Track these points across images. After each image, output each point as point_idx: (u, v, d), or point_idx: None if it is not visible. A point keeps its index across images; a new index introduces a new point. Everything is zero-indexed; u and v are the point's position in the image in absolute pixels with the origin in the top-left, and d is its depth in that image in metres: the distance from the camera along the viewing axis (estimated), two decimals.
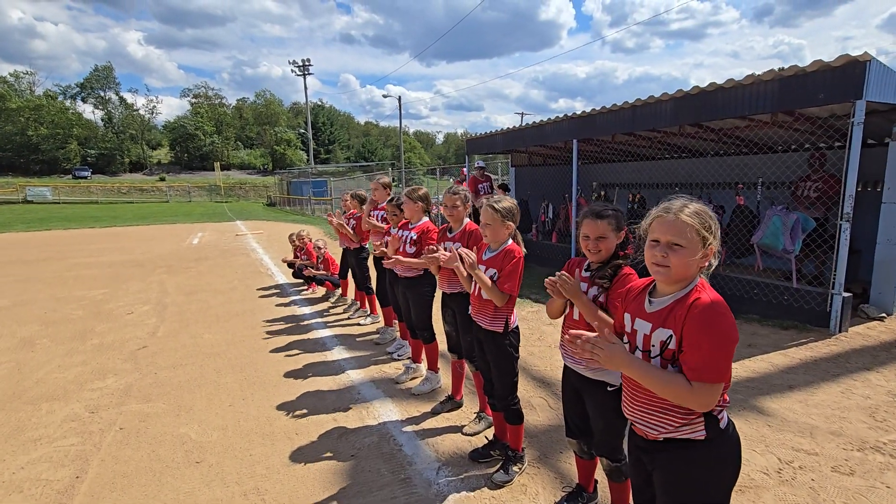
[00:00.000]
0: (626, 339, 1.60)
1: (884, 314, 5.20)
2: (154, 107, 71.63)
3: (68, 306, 6.91)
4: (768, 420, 3.29)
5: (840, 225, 4.68)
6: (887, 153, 5.15)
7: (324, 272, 7.23)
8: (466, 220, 3.23)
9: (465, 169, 11.87)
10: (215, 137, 69.39)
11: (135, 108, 69.64)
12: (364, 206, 5.37)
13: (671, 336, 1.41)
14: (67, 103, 63.86)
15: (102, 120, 67.21)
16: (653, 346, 1.46)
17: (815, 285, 5.27)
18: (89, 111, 66.87)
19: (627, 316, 1.60)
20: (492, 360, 2.66)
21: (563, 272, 2.07)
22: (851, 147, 4.48)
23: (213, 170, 55.22)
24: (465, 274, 2.79)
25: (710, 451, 1.43)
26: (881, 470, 2.72)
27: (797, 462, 2.81)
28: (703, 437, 1.42)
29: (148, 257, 11.45)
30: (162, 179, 60.04)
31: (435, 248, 3.07)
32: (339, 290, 6.81)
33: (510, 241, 2.59)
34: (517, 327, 2.64)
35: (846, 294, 4.78)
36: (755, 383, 3.86)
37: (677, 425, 1.44)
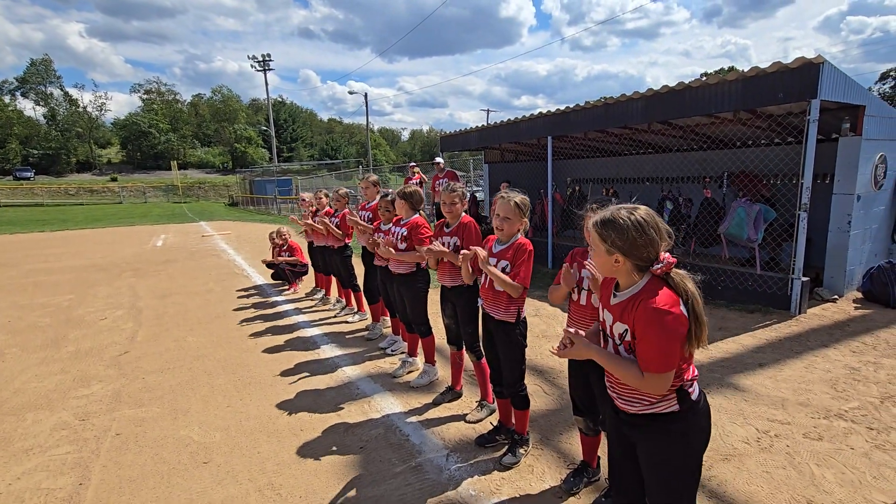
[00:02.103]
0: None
1: (836, 296, 5.67)
2: (103, 103, 67.61)
3: (33, 314, 6.59)
4: (744, 395, 3.57)
5: (798, 215, 5.08)
6: (837, 148, 5.60)
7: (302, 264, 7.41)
8: (462, 214, 3.33)
9: (413, 164, 12.11)
10: (171, 135, 66.38)
11: (81, 104, 65.64)
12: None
13: (626, 329, 1.57)
14: (7, 99, 59.58)
15: (45, 117, 63.02)
16: (615, 335, 1.64)
17: (777, 271, 5.69)
18: (30, 108, 62.69)
19: (601, 306, 1.76)
20: (502, 350, 2.79)
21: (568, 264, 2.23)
22: (808, 143, 4.86)
23: (170, 169, 53.00)
24: (469, 270, 2.91)
25: (684, 422, 1.59)
26: (845, 434, 3.03)
27: (773, 431, 3.09)
28: (676, 410, 1.59)
29: (111, 261, 10.97)
30: (114, 179, 57.04)
31: (435, 243, 3.19)
32: (324, 290, 6.81)
33: (520, 234, 2.72)
34: (525, 318, 2.77)
35: (804, 278, 5.20)
36: (729, 363, 4.16)
37: (653, 401, 1.60)
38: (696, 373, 1.64)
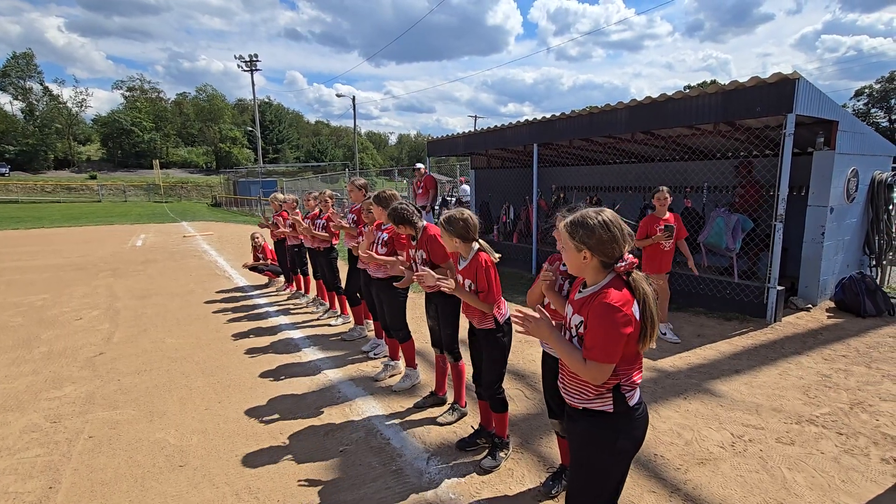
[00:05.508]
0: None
1: (810, 305, 5.82)
2: (83, 99, 65.99)
3: (5, 313, 6.40)
4: (720, 401, 3.65)
5: (774, 225, 5.21)
6: (812, 161, 5.77)
7: (274, 265, 7.65)
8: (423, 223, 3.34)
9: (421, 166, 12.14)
10: (154, 133, 65.21)
11: (61, 100, 64.05)
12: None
13: (582, 321, 1.68)
14: None
15: (23, 112, 61.41)
16: (572, 327, 1.74)
17: (754, 280, 5.82)
18: (6, 102, 60.98)
19: (567, 301, 1.87)
20: (485, 351, 2.82)
21: (548, 265, 2.28)
22: (784, 156, 5.01)
23: (152, 167, 52.02)
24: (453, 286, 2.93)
25: (615, 422, 1.68)
26: (816, 439, 3.11)
27: (747, 436, 3.15)
28: (610, 410, 1.67)
29: (89, 260, 10.72)
30: (93, 177, 55.68)
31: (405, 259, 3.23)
32: (283, 280, 7.45)
33: (475, 250, 2.74)
34: (509, 318, 2.79)
35: (780, 287, 5.33)
36: (706, 369, 4.24)
37: (591, 396, 1.69)
38: (639, 380, 1.71)
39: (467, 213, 2.73)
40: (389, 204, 3.64)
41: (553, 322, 1.75)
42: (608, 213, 1.68)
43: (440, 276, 2.70)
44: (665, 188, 4.87)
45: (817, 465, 2.83)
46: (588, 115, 7.03)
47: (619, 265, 1.65)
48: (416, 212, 3.29)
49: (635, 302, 1.61)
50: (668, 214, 4.93)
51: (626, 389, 1.67)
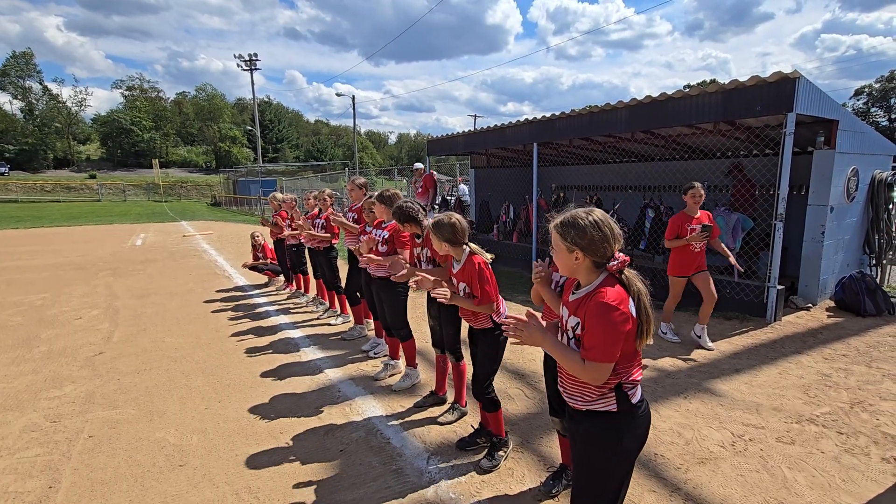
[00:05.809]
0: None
1: (810, 304, 5.82)
2: (83, 99, 65.93)
3: (4, 312, 6.40)
4: (720, 400, 3.64)
5: (774, 224, 5.21)
6: (812, 161, 5.76)
7: (273, 264, 7.71)
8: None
9: (419, 166, 12.12)
10: (154, 133, 65.19)
11: (60, 99, 64.00)
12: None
13: (579, 323, 1.65)
14: None
15: (22, 111, 61.35)
16: (569, 329, 1.72)
17: (754, 279, 5.82)
18: (6, 102, 60.91)
19: (561, 303, 1.86)
20: (480, 349, 2.84)
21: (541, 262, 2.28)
22: (784, 155, 5.00)
23: (151, 167, 52.02)
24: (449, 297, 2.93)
25: (618, 422, 1.67)
26: (816, 438, 3.11)
27: (747, 435, 3.15)
28: (615, 410, 1.66)
29: (88, 259, 10.72)
30: (92, 177, 55.65)
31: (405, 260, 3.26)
32: (283, 279, 7.54)
33: (467, 252, 2.75)
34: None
35: (780, 287, 5.33)
36: (707, 368, 4.24)
37: (594, 397, 1.68)
38: (639, 377, 1.70)
39: (455, 216, 2.74)
40: (394, 202, 3.64)
41: (545, 324, 1.73)
42: (598, 213, 1.67)
43: (437, 286, 2.71)
44: (698, 184, 4.59)
45: (818, 464, 2.83)
46: (588, 114, 7.02)
47: (611, 264, 1.64)
48: (421, 210, 3.30)
49: (630, 299, 1.60)
50: (699, 213, 4.70)
51: (627, 387, 1.66)
